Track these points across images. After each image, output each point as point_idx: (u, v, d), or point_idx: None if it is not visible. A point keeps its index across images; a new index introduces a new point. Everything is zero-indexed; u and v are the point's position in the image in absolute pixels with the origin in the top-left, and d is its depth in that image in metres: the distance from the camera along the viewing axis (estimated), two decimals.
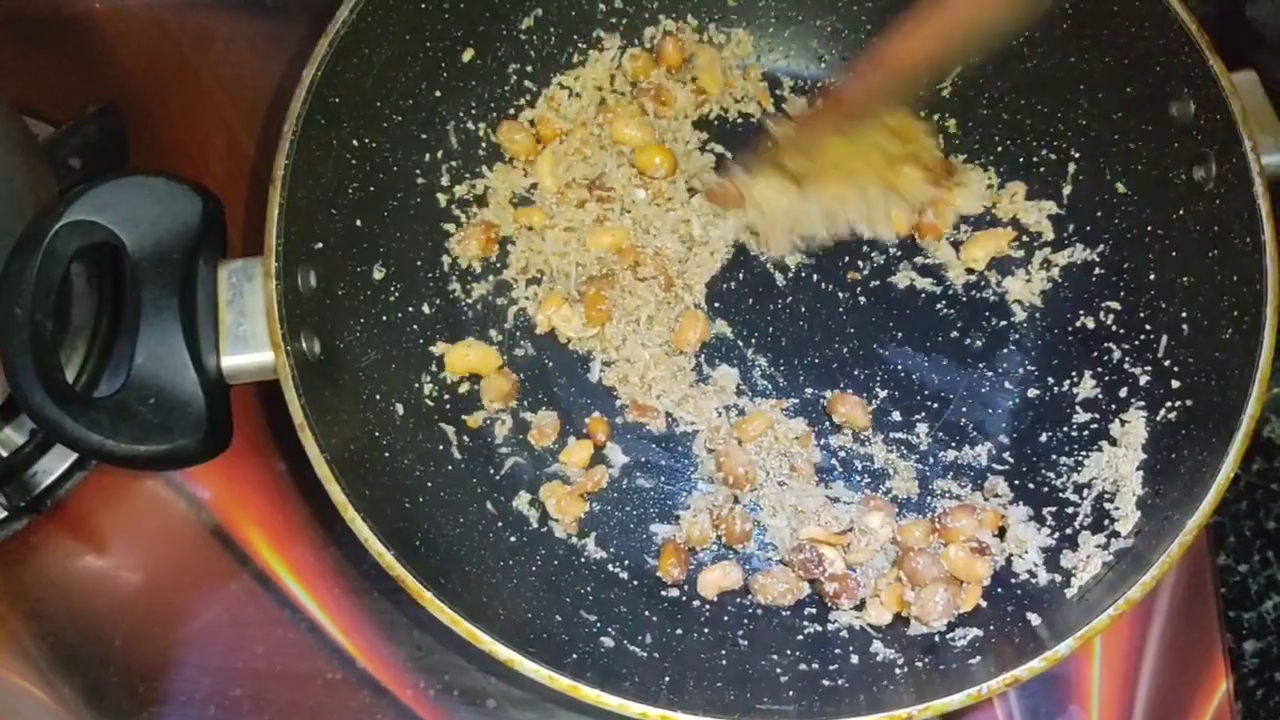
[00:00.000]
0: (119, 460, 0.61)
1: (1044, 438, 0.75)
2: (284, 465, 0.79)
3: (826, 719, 0.60)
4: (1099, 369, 0.75)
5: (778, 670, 0.67)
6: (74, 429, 0.60)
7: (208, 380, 0.62)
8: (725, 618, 0.72)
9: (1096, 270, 0.77)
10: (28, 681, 0.75)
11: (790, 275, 0.80)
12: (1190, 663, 0.75)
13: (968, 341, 0.78)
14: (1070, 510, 0.71)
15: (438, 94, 0.77)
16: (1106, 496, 0.70)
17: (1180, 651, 0.76)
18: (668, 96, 0.81)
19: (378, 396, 0.71)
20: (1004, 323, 0.79)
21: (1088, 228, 0.78)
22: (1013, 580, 0.70)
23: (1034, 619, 0.66)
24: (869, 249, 0.81)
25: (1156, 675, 0.75)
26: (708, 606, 0.72)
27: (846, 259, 0.80)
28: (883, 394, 0.77)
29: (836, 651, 0.69)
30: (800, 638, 0.70)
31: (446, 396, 0.76)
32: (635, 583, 0.73)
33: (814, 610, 0.72)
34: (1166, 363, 0.71)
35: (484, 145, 0.81)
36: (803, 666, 0.68)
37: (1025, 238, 0.80)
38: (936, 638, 0.68)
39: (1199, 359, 0.69)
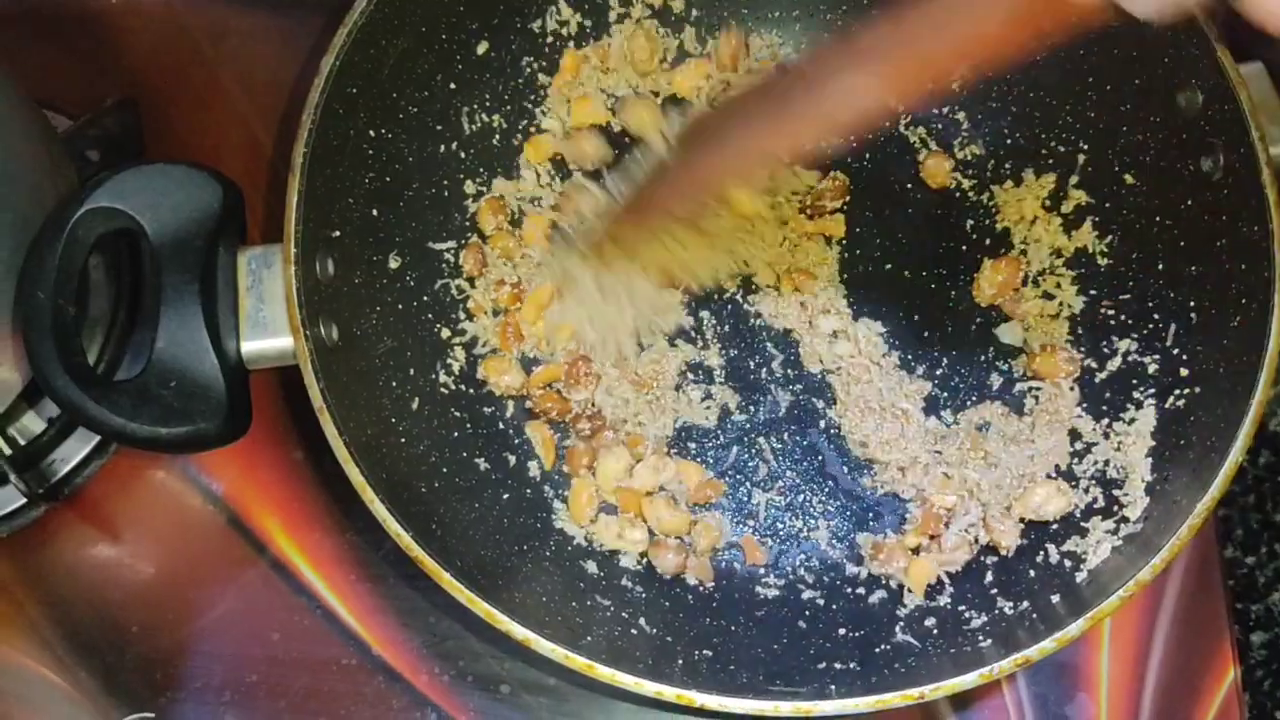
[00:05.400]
0: (140, 442, 0.61)
1: None
2: (300, 453, 0.79)
3: (838, 700, 0.60)
4: (1107, 357, 0.76)
5: (789, 653, 0.68)
6: (96, 411, 0.60)
7: (228, 365, 0.63)
8: (735, 604, 0.72)
9: (1105, 260, 0.78)
10: (45, 668, 0.75)
11: None
12: (1198, 654, 0.76)
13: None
14: (1079, 496, 0.72)
15: (452, 86, 0.78)
16: (1115, 483, 0.70)
17: (1188, 642, 0.76)
18: None
19: (394, 383, 0.72)
20: None
21: (1096, 218, 0.78)
22: (1023, 565, 0.71)
23: (1044, 602, 0.67)
24: None
25: (1164, 666, 0.75)
26: (717, 593, 0.73)
27: None
28: None
29: (846, 634, 0.70)
30: (805, 624, 0.71)
31: (462, 385, 0.77)
32: (647, 568, 0.73)
33: (822, 595, 0.73)
34: (1175, 351, 0.71)
35: (497, 137, 0.81)
36: (813, 650, 0.68)
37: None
38: (949, 622, 0.68)
39: (1207, 347, 0.69)
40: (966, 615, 0.68)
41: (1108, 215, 0.78)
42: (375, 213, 0.73)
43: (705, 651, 0.67)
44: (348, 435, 0.62)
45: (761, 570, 0.74)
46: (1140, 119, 0.74)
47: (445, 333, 0.77)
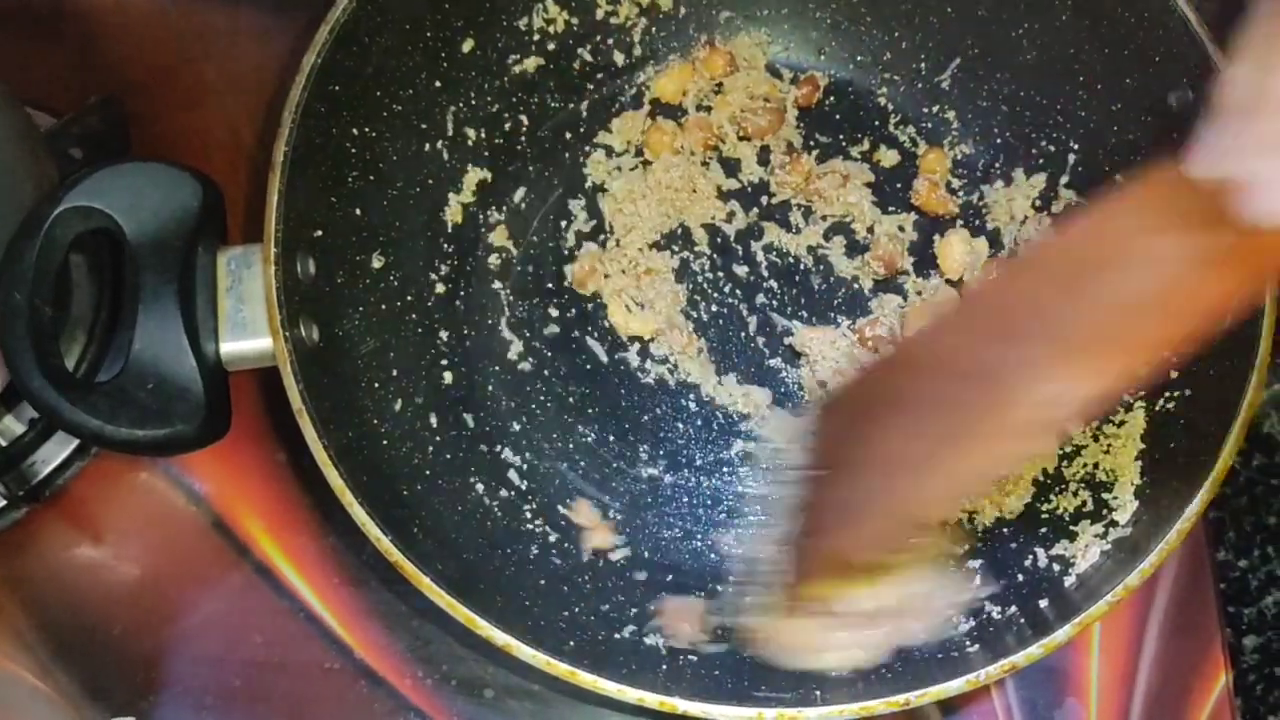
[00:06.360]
0: (117, 445, 0.61)
1: None
2: (283, 455, 0.78)
3: (823, 707, 0.60)
4: None
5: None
6: (72, 414, 0.60)
7: (206, 366, 0.62)
8: None
9: None
10: (26, 671, 0.75)
11: None
12: (1189, 658, 0.75)
13: None
14: (1067, 500, 0.71)
15: (437, 84, 0.77)
16: (1104, 486, 0.70)
17: (1179, 646, 0.75)
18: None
19: (376, 384, 0.71)
20: None
21: None
22: (1011, 569, 0.70)
23: (1032, 607, 0.66)
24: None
25: (1155, 670, 0.75)
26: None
27: None
28: None
29: None
30: None
31: (444, 387, 0.76)
32: (629, 573, 0.73)
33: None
34: (1165, 353, 0.71)
35: (482, 137, 0.81)
36: None
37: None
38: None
39: (1197, 349, 0.69)
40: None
41: None
42: (358, 212, 0.72)
43: (689, 656, 0.67)
44: (328, 438, 0.62)
45: None
46: (1131, 119, 0.74)
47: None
